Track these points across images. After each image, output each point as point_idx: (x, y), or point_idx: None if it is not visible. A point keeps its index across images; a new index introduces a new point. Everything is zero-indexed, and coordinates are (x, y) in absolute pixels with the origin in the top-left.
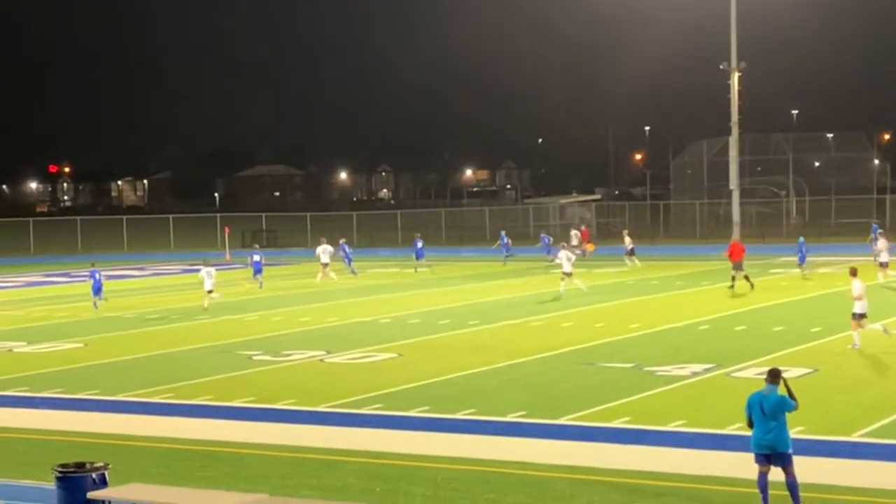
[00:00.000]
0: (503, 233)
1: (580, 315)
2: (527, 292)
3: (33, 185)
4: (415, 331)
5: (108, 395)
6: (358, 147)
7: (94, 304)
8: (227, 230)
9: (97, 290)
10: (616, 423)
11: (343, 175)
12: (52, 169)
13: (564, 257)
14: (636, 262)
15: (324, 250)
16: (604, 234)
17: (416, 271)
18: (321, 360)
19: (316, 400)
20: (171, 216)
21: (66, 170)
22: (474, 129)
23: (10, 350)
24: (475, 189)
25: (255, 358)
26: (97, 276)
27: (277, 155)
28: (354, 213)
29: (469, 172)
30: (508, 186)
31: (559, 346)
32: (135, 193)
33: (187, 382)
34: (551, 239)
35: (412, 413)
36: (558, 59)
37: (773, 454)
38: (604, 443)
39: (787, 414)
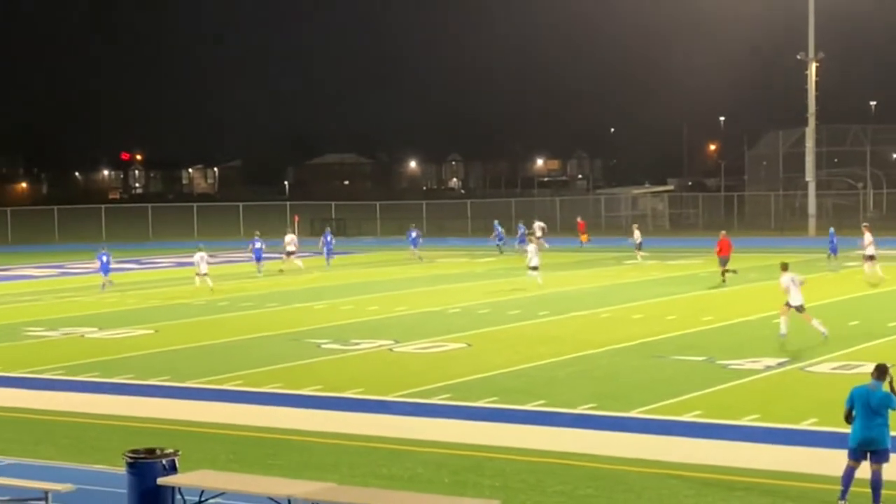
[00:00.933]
0: (497, 222)
1: (651, 307)
2: (597, 283)
3: (105, 172)
4: (484, 321)
5: (178, 381)
6: (428, 136)
7: (103, 285)
8: (296, 218)
9: (105, 271)
10: (687, 417)
11: (413, 164)
12: (125, 156)
13: (532, 250)
14: (639, 258)
15: (290, 239)
16: (676, 224)
17: (419, 259)
18: (390, 350)
19: (384, 389)
20: (240, 204)
21: (138, 157)
22: (546, 119)
23: (83, 336)
24: (546, 179)
25: (323, 346)
26: (104, 258)
27: (347, 143)
28: (424, 202)
29: (540, 162)
30: (580, 176)
31: (629, 339)
32: (205, 181)
33: (257, 370)
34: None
35: (481, 403)
36: (633, 48)
37: (872, 450)
38: (675, 436)
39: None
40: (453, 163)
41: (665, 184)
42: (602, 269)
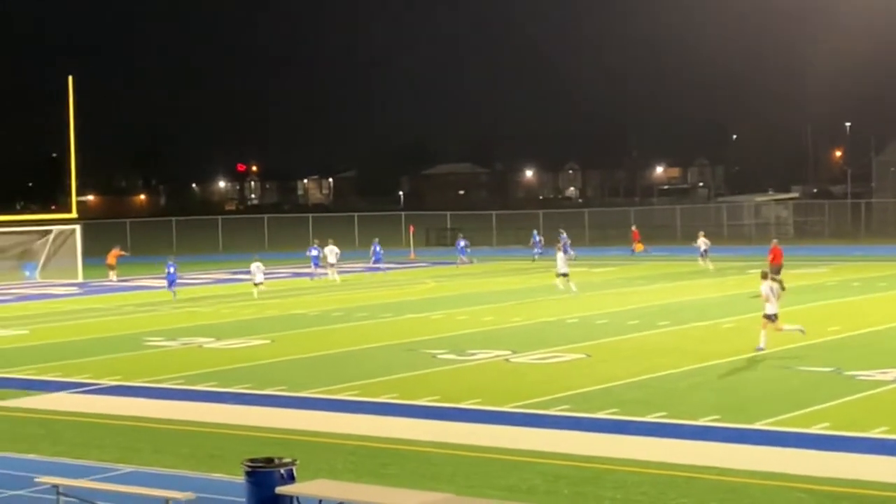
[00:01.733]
0: (535, 232)
1: None
2: (719, 293)
3: (222, 183)
4: (603, 331)
5: (294, 391)
6: (545, 145)
7: (174, 295)
8: (411, 228)
9: (171, 282)
10: (814, 429)
11: (529, 173)
12: (240, 168)
13: (560, 258)
14: (709, 264)
15: (330, 251)
16: (801, 232)
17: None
18: (506, 360)
19: (501, 400)
20: (356, 214)
21: (254, 169)
22: (665, 126)
23: (200, 346)
24: (666, 187)
25: (439, 357)
26: (171, 269)
27: (463, 153)
28: (541, 212)
29: (660, 170)
30: (701, 184)
31: (753, 349)
32: (320, 192)
33: (372, 380)
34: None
35: (600, 415)
36: (754, 53)
37: None
38: (801, 448)
39: None
40: (570, 171)
41: (789, 191)
42: (724, 280)
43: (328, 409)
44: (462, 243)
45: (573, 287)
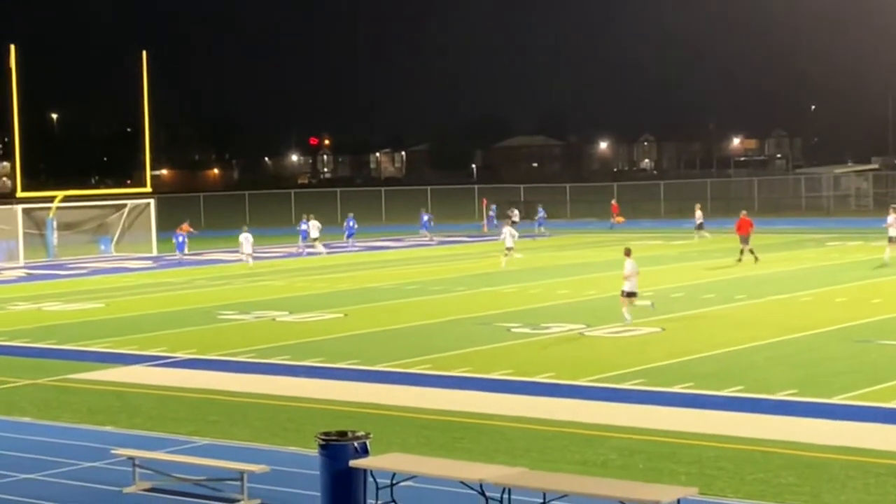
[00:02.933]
0: (539, 207)
1: (855, 290)
2: (797, 266)
3: (294, 157)
4: (678, 305)
5: (367, 364)
6: (619, 116)
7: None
8: (484, 202)
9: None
10: (893, 404)
11: (603, 145)
12: (313, 141)
13: (508, 233)
14: (706, 234)
15: (314, 226)
16: (881, 204)
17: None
18: (581, 334)
19: (576, 374)
20: (428, 188)
21: (326, 142)
22: (742, 97)
23: (273, 319)
24: (742, 159)
25: (513, 330)
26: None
27: (536, 125)
28: (615, 184)
29: (736, 141)
30: (779, 156)
31: (832, 322)
32: (393, 165)
33: (445, 354)
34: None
35: (676, 389)
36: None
37: None
38: (881, 423)
39: None
40: (645, 143)
41: (869, 162)
42: (803, 252)
43: (401, 382)
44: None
45: (503, 264)
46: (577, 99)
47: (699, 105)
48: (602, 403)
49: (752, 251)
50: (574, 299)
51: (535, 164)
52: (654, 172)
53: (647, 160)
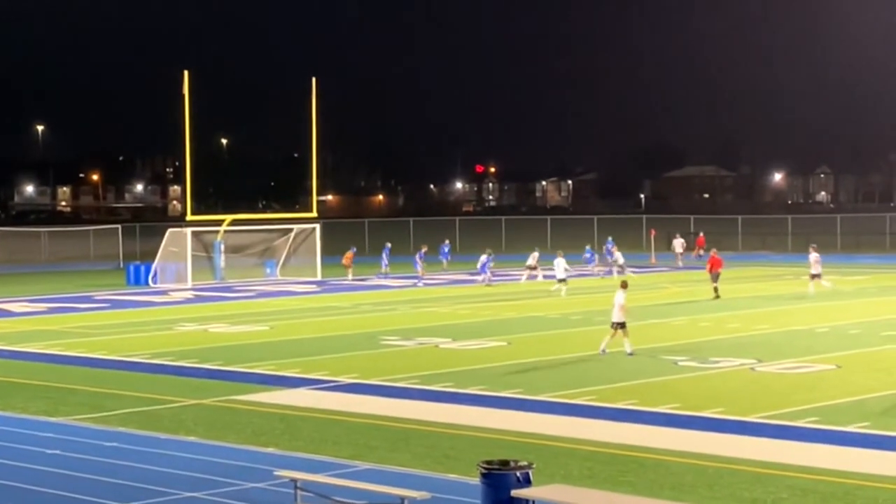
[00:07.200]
0: (610, 239)
1: None
2: None
3: (459, 184)
4: (855, 342)
5: (530, 394)
6: (795, 147)
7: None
8: (653, 232)
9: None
10: None
11: (777, 177)
12: (479, 169)
13: (560, 266)
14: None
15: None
16: None
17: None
18: (751, 369)
19: (746, 410)
20: (595, 217)
21: (492, 170)
22: None
23: (437, 346)
24: None
25: (680, 363)
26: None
27: (708, 155)
28: (789, 217)
29: None
30: None
31: None
32: (559, 194)
33: (610, 385)
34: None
35: (851, 428)
36: None
37: None
38: None
39: None
40: (822, 175)
41: None
42: None
43: (564, 413)
44: (447, 248)
45: (563, 292)
46: (752, 129)
47: (879, 137)
48: (773, 440)
49: (715, 289)
50: (745, 333)
51: (706, 195)
52: (831, 206)
53: (823, 193)
